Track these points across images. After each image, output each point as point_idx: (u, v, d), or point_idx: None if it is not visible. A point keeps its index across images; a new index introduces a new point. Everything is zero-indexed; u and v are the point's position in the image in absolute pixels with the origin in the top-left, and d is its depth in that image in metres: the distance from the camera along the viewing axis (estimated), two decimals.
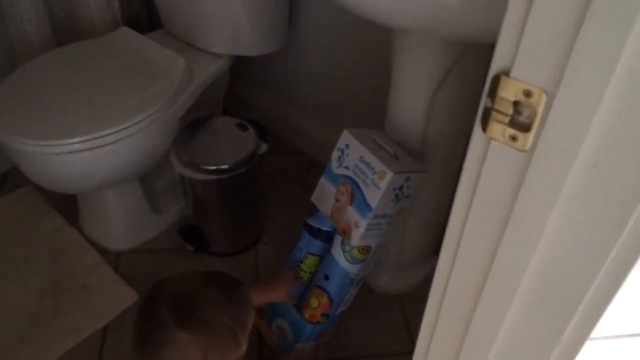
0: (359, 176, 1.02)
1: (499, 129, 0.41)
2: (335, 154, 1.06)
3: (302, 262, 1.17)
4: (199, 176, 1.27)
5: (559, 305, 0.47)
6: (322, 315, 1.15)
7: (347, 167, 1.04)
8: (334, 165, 1.06)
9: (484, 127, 0.42)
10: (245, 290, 0.81)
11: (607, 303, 0.46)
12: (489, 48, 0.40)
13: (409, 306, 1.35)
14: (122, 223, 1.43)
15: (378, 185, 0.98)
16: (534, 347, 0.51)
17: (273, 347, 1.23)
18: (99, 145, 1.14)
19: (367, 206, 1.00)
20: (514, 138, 0.41)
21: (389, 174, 0.96)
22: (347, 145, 1.04)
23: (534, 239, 0.43)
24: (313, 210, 1.15)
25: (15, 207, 1.53)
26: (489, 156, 0.43)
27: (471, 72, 0.94)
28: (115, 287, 1.35)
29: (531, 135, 0.40)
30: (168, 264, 1.44)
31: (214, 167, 1.26)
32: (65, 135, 1.12)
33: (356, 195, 1.02)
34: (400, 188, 1.00)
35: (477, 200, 0.46)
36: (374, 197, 0.99)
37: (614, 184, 0.38)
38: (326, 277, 1.13)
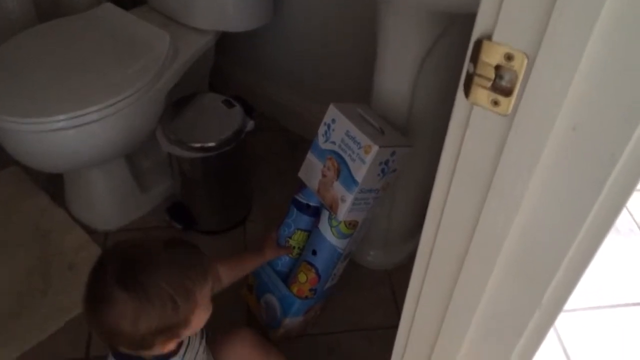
0: (345, 151, 1.02)
1: (481, 94, 0.42)
2: (321, 129, 1.06)
3: (290, 238, 1.18)
4: (186, 154, 1.27)
5: (539, 269, 0.48)
6: (310, 290, 1.17)
7: (333, 142, 1.04)
8: (320, 140, 1.07)
9: (467, 93, 0.42)
10: (202, 261, 0.82)
11: (586, 265, 0.47)
12: (474, 20, 0.40)
13: (397, 281, 1.37)
14: (109, 202, 1.43)
15: (364, 160, 0.99)
16: (516, 311, 0.52)
17: (262, 322, 1.24)
18: (83, 123, 1.13)
19: (354, 181, 1.01)
20: (495, 103, 0.41)
21: (375, 148, 0.97)
22: (333, 120, 1.04)
23: (515, 203, 0.44)
24: (300, 186, 1.16)
25: (0, 188, 1.52)
26: (471, 122, 0.44)
27: (456, 45, 0.94)
28: None
29: (512, 99, 0.40)
30: None
31: (200, 145, 1.26)
32: (49, 112, 1.11)
33: (342, 170, 1.03)
34: (386, 162, 1.01)
35: (460, 166, 0.46)
36: (360, 172, 1.00)
37: (593, 146, 0.39)
38: (314, 253, 1.14)
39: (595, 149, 0.39)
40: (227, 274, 1.01)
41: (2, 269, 1.33)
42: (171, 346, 0.81)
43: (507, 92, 0.40)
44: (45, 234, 1.41)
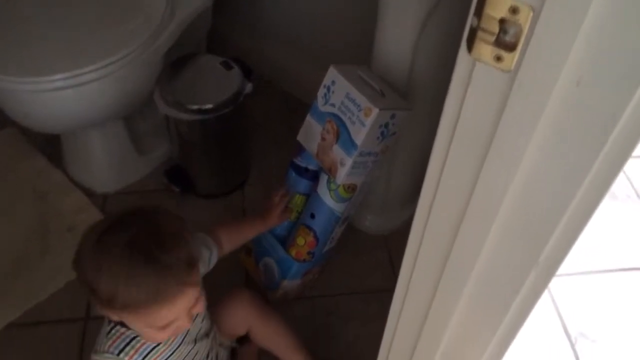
0: (344, 113, 1.01)
1: (484, 50, 0.41)
2: (321, 91, 1.05)
3: (288, 201, 1.18)
4: (184, 116, 1.26)
5: (537, 228, 0.48)
6: (309, 253, 1.17)
7: (333, 105, 1.03)
8: (319, 102, 1.06)
9: (470, 48, 0.42)
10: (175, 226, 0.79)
11: (583, 225, 0.47)
12: None
13: (394, 246, 1.38)
14: (107, 164, 1.42)
15: (363, 122, 0.98)
16: (513, 270, 0.52)
17: (260, 284, 1.26)
18: (80, 83, 1.11)
19: (353, 144, 1.00)
20: (499, 58, 0.40)
21: (375, 111, 0.96)
22: (333, 82, 1.03)
23: (515, 161, 0.44)
24: (299, 150, 1.15)
25: None
26: (473, 78, 0.43)
27: (458, 5, 0.92)
28: None
29: (516, 54, 0.39)
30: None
31: (198, 107, 1.25)
32: (45, 72, 1.09)
33: (342, 133, 1.02)
34: (386, 125, 1.00)
35: (460, 124, 0.46)
36: (359, 135, 0.99)
37: (596, 102, 0.38)
38: (312, 216, 1.15)
39: (599, 105, 0.38)
40: (229, 241, 1.01)
41: (1, 228, 1.33)
42: None
43: (511, 47, 0.39)
44: (43, 196, 1.41)
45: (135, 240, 0.70)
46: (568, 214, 0.45)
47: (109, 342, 0.80)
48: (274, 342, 1.07)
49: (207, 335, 0.95)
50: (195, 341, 0.91)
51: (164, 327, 0.75)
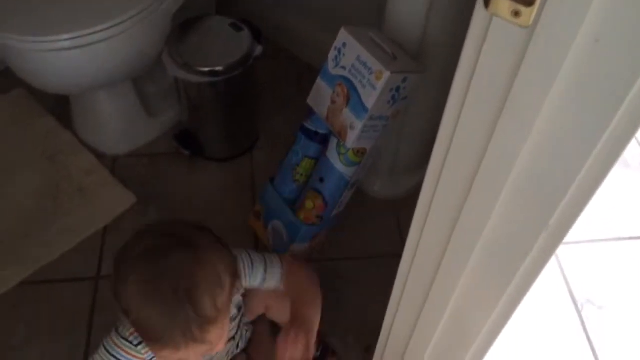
0: (355, 76, 1.00)
1: (502, 5, 0.39)
2: (332, 54, 1.03)
3: (298, 165, 1.18)
4: (193, 78, 1.25)
5: (548, 190, 0.47)
6: (317, 217, 1.18)
7: (343, 68, 1.02)
8: (330, 65, 1.04)
9: (487, 3, 0.40)
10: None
11: (596, 188, 0.46)
12: None
13: (403, 211, 1.37)
14: (116, 126, 1.42)
15: (374, 86, 0.97)
16: (522, 233, 0.52)
17: (269, 247, 1.27)
18: (88, 43, 1.10)
19: (363, 107, 0.99)
20: (516, 14, 0.39)
21: (386, 74, 0.95)
22: (344, 45, 1.01)
23: (530, 121, 0.43)
24: (309, 113, 1.14)
25: (7, 110, 1.51)
26: (489, 35, 0.42)
27: None
28: (113, 190, 1.37)
29: (534, 9, 0.38)
30: (164, 169, 1.45)
31: (208, 69, 1.24)
32: (52, 32, 1.08)
33: (352, 97, 1.01)
34: (397, 89, 0.99)
35: (475, 82, 0.45)
36: (370, 98, 0.98)
37: (615, 59, 0.37)
38: (321, 180, 1.15)
39: (618, 62, 0.37)
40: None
41: (11, 190, 1.35)
42: None
43: (529, 2, 0.38)
44: (53, 157, 1.41)
45: (169, 274, 0.67)
46: (581, 176, 0.45)
47: (132, 330, 0.79)
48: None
49: (234, 319, 0.93)
50: None
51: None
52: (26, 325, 1.15)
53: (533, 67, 0.40)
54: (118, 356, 0.79)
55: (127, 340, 0.79)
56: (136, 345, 0.79)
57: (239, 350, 1.04)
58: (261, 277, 0.87)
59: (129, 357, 0.79)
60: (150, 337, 0.69)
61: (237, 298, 0.89)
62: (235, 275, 0.75)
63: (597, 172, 0.45)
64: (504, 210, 0.52)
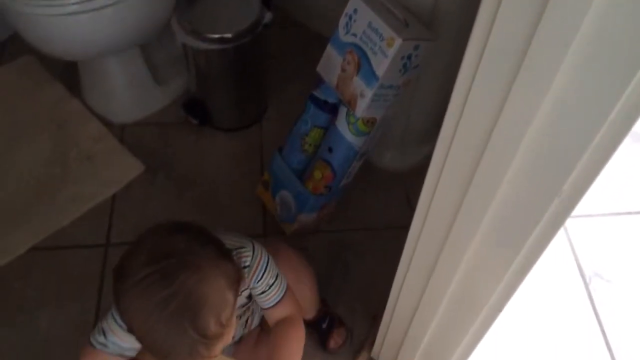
0: (366, 44, 0.98)
1: None
2: (342, 20, 1.01)
3: (307, 135, 1.17)
4: (202, 45, 1.23)
5: (562, 155, 0.46)
6: (325, 187, 1.17)
7: (354, 35, 1.00)
8: (341, 32, 1.02)
9: None
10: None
11: (610, 155, 0.45)
12: None
13: (411, 183, 1.37)
14: (124, 94, 1.42)
15: (386, 53, 0.95)
16: (535, 198, 0.51)
17: (277, 217, 1.27)
18: (95, 8, 1.09)
19: (374, 75, 0.98)
20: None
21: (398, 41, 0.93)
22: (355, 11, 0.99)
23: (546, 83, 0.42)
24: (318, 82, 1.13)
25: (15, 77, 1.51)
26: None
27: None
28: (121, 158, 1.37)
29: None
30: (172, 137, 1.44)
31: (217, 36, 1.22)
32: None
33: (363, 65, 1.00)
34: (409, 57, 0.97)
35: (490, 45, 0.44)
36: (381, 66, 0.96)
37: (637, 18, 0.36)
38: (330, 150, 1.14)
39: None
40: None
41: (20, 157, 1.35)
42: None
43: None
44: (62, 124, 1.41)
45: (171, 300, 0.64)
46: (596, 140, 0.44)
47: None
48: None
49: (242, 305, 0.91)
50: None
51: None
52: (36, 290, 1.16)
53: (552, 24, 0.39)
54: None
55: (122, 326, 0.77)
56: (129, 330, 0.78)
57: (252, 328, 1.01)
58: (266, 285, 0.84)
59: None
60: (156, 355, 0.68)
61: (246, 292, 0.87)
62: (240, 282, 0.73)
63: (613, 136, 0.44)
64: (516, 176, 0.51)
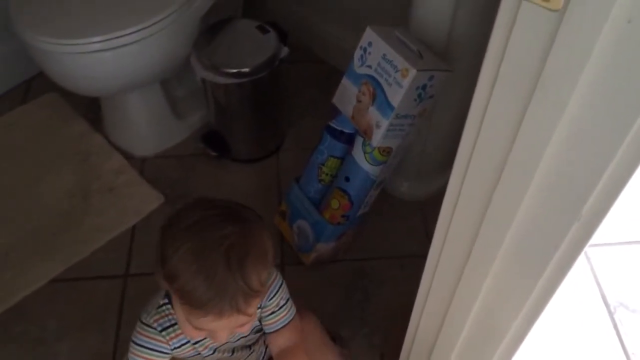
0: (381, 75, 1.00)
1: None
2: (357, 53, 1.04)
3: (323, 165, 1.18)
4: (220, 80, 1.26)
5: (580, 178, 0.46)
6: (343, 216, 1.17)
7: (369, 66, 1.02)
8: (356, 64, 1.04)
9: None
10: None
11: (630, 176, 0.45)
12: None
13: (429, 212, 1.36)
14: (145, 128, 1.45)
15: (400, 84, 0.96)
16: (553, 224, 0.51)
17: (295, 247, 1.27)
18: (119, 45, 1.13)
19: (389, 105, 0.99)
20: None
21: (412, 72, 0.94)
22: (369, 43, 1.01)
23: (561, 106, 0.42)
24: (335, 113, 1.14)
25: (40, 113, 1.55)
26: (519, 19, 0.41)
27: None
28: (142, 190, 1.39)
29: None
30: (191, 169, 1.46)
31: (235, 70, 1.25)
32: (84, 34, 1.11)
33: (378, 95, 1.01)
34: (424, 87, 0.99)
35: (504, 69, 0.45)
36: (396, 96, 0.98)
37: None
38: (347, 179, 1.15)
39: None
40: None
41: (45, 189, 1.38)
42: None
43: None
44: (85, 158, 1.44)
45: (221, 244, 0.67)
46: (615, 161, 0.44)
47: (156, 317, 0.80)
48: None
49: (249, 347, 0.92)
50: (233, 351, 0.89)
51: (199, 329, 0.73)
52: (57, 320, 1.17)
53: (565, 50, 0.40)
54: (143, 344, 0.79)
55: (150, 326, 0.80)
56: (160, 332, 0.80)
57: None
58: (276, 305, 0.85)
59: (154, 341, 0.80)
60: (194, 303, 0.68)
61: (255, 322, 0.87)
62: (273, 262, 0.76)
63: (631, 158, 0.44)
64: (533, 202, 0.51)
